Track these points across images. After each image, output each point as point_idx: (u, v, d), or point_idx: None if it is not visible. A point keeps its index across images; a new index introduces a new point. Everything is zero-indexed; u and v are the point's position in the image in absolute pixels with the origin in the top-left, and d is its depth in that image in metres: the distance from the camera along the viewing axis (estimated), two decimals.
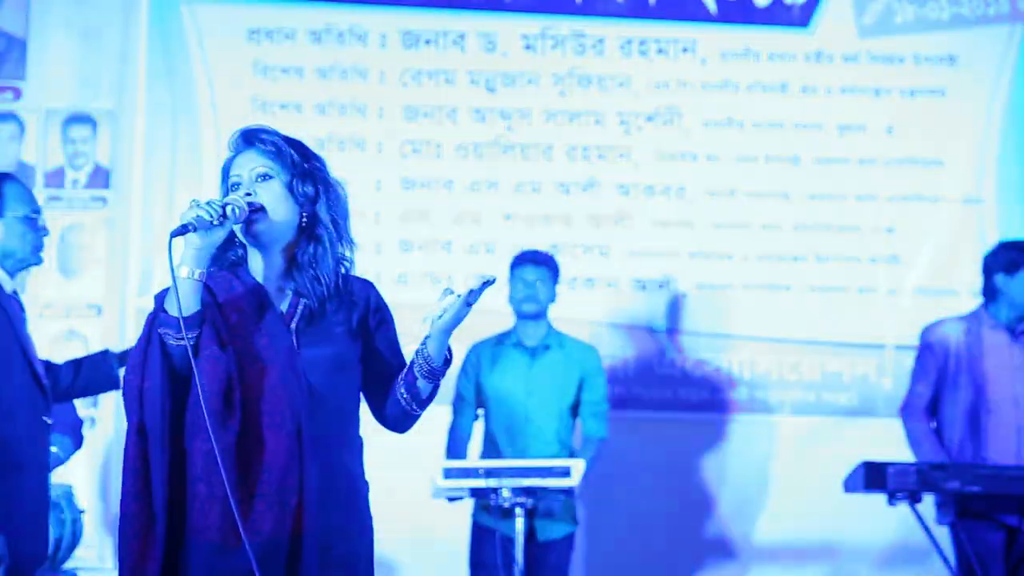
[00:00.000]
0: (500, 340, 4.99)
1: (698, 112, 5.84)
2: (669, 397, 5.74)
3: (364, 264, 2.83)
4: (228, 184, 2.76)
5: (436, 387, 2.75)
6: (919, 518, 4.45)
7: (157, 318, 2.60)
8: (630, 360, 5.74)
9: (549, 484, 4.43)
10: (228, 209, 2.61)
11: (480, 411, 4.97)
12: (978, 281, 4.93)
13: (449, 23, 5.81)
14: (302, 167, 2.74)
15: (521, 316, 4.95)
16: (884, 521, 5.06)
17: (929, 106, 5.87)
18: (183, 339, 2.55)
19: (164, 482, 2.57)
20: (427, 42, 5.80)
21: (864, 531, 5.59)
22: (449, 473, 4.40)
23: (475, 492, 4.49)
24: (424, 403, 2.76)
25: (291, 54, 5.74)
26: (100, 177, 5.69)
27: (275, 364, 2.65)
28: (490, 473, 4.40)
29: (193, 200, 2.61)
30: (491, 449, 4.90)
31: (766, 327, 5.78)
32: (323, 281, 2.72)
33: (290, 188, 2.71)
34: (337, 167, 5.42)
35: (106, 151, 5.70)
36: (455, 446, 4.91)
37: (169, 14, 5.69)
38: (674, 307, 5.78)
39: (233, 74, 5.71)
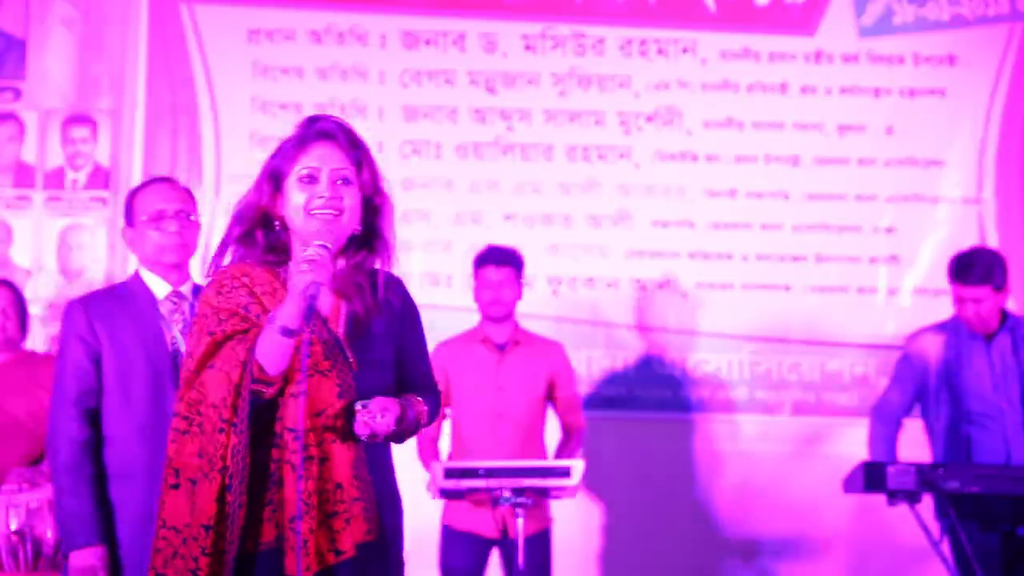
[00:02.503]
0: (467, 338, 4.96)
1: (698, 112, 5.84)
2: (669, 397, 5.74)
3: None
4: (291, 167, 2.63)
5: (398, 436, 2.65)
6: (918, 518, 4.45)
7: (249, 373, 2.48)
8: (630, 360, 5.74)
9: (550, 484, 4.43)
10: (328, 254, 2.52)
11: (447, 410, 4.93)
12: None
13: (449, 23, 5.81)
14: (377, 179, 2.67)
15: (487, 318, 4.93)
16: (884, 521, 5.05)
17: (929, 106, 5.87)
18: (268, 391, 2.49)
19: (237, 538, 2.49)
20: (427, 42, 5.80)
21: (864, 531, 5.59)
22: (450, 473, 4.40)
23: (472, 492, 4.49)
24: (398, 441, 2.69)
25: (291, 54, 5.74)
26: (100, 177, 5.69)
27: (331, 373, 2.56)
28: (491, 473, 4.39)
29: (303, 265, 2.48)
30: (460, 447, 4.88)
31: (766, 327, 5.78)
32: (370, 288, 2.65)
33: (366, 199, 2.65)
34: None
35: (106, 151, 5.70)
36: (427, 446, 4.86)
37: (169, 14, 5.69)
38: (674, 307, 5.78)
39: (233, 74, 5.70)
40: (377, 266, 2.71)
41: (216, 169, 5.58)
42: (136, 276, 3.70)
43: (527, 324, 5.07)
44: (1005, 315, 4.81)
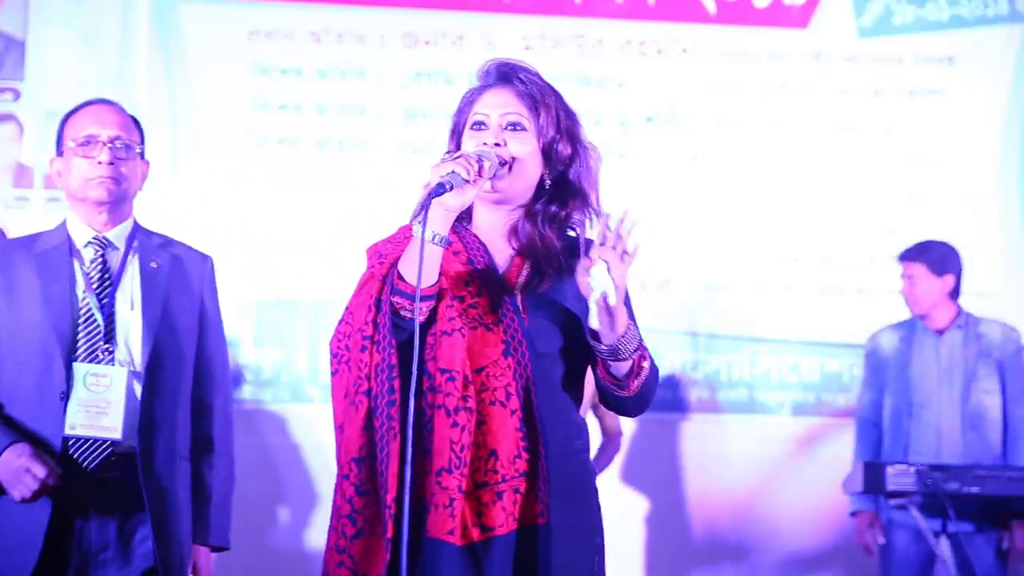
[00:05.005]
0: None
1: (698, 112, 5.84)
2: (669, 397, 5.74)
3: None
4: (466, 118, 2.45)
5: (636, 364, 2.43)
6: (919, 519, 4.45)
7: (390, 285, 2.26)
8: None
9: None
10: (485, 165, 2.32)
11: None
12: (968, 281, 5.02)
13: (449, 24, 5.81)
14: (564, 124, 2.50)
15: None
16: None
17: (929, 106, 5.87)
18: (415, 313, 2.21)
19: (397, 475, 2.19)
20: (427, 42, 5.80)
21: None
22: None
23: None
24: (631, 382, 2.42)
25: (291, 54, 5.73)
26: None
27: (498, 330, 2.34)
28: None
29: (445, 154, 2.36)
30: None
31: (766, 327, 5.78)
32: (555, 246, 2.48)
33: (546, 147, 2.47)
34: (337, 168, 5.42)
35: None
36: None
37: (168, 14, 5.68)
38: (674, 307, 5.77)
39: (233, 74, 5.69)
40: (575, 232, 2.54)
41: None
42: (62, 223, 3.21)
43: None
44: (959, 312, 4.91)
